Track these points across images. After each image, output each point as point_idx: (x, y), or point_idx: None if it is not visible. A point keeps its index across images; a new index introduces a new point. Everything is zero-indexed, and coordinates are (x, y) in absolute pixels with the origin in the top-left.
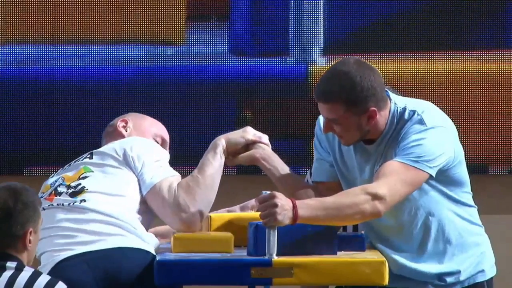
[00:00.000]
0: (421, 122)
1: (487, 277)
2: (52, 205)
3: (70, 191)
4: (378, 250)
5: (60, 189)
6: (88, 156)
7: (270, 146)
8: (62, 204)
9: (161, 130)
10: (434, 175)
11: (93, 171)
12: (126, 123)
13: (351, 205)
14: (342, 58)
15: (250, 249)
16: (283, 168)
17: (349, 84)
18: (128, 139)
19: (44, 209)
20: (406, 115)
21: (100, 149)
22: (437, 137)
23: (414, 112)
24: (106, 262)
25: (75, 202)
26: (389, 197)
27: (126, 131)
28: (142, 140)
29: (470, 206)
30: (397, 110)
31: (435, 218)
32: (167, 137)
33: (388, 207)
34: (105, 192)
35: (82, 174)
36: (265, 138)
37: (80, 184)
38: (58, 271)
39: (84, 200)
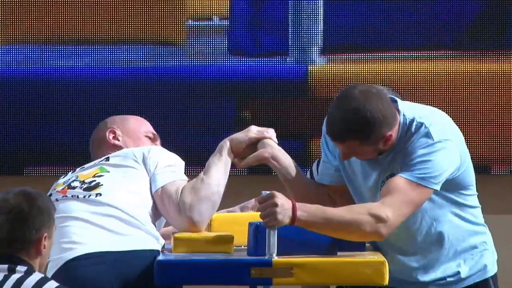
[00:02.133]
0: (428, 135)
1: (490, 273)
2: (66, 196)
3: (84, 186)
4: (381, 252)
5: (73, 184)
6: (105, 159)
7: (277, 141)
8: (77, 196)
9: (148, 125)
10: (438, 189)
11: (109, 171)
12: (115, 132)
13: (352, 222)
14: (340, 57)
15: (250, 249)
16: (293, 168)
17: (362, 122)
18: (146, 146)
19: (57, 200)
20: (414, 127)
21: (117, 153)
22: (444, 152)
23: (421, 124)
24: (123, 265)
25: (90, 195)
26: (393, 220)
27: (119, 140)
28: (159, 148)
29: (474, 207)
30: (405, 122)
31: (440, 224)
32: (153, 130)
33: (391, 230)
34: (121, 188)
35: (98, 173)
36: (271, 131)
37: (95, 180)
38: (73, 268)
39: (100, 194)
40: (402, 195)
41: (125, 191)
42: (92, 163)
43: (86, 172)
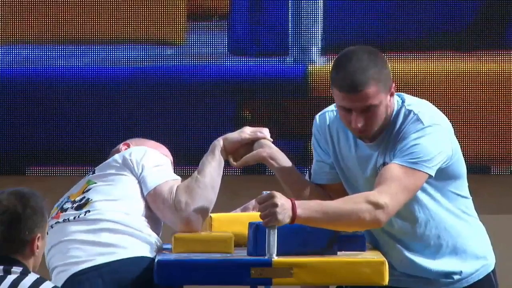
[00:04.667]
0: (417, 121)
1: (491, 268)
2: (59, 221)
3: (75, 205)
4: (383, 248)
5: (65, 206)
6: (91, 172)
7: (272, 140)
8: (68, 219)
9: (163, 150)
10: (433, 174)
11: (96, 182)
12: (129, 146)
13: (350, 212)
14: None
15: (250, 249)
16: (291, 168)
17: (376, 65)
18: (128, 149)
19: (52, 227)
20: (402, 114)
21: (102, 164)
22: (434, 136)
23: (410, 111)
24: (118, 275)
25: (80, 214)
26: (390, 206)
27: None
28: (141, 148)
29: (466, 197)
30: (397, 107)
31: (437, 215)
32: (170, 156)
33: (390, 216)
34: (109, 198)
35: (86, 188)
36: (265, 131)
37: (84, 197)
38: (71, 285)
39: (89, 211)
40: (397, 181)
41: (113, 201)
42: (82, 180)
43: (76, 191)
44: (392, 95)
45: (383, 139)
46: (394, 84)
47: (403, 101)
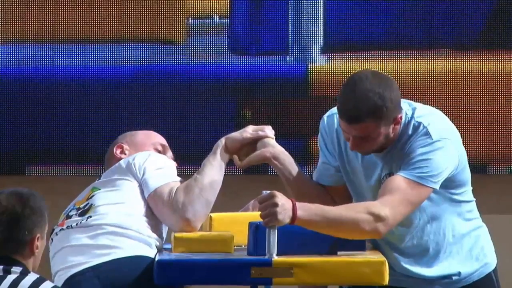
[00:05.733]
0: (427, 134)
1: (492, 267)
2: (63, 229)
3: (79, 211)
4: (381, 253)
5: (71, 213)
6: (98, 179)
7: (274, 138)
8: (71, 226)
9: (157, 137)
10: (438, 188)
11: (99, 189)
12: (122, 147)
13: (351, 221)
14: (340, 56)
15: (250, 249)
16: (295, 168)
17: (380, 101)
18: (132, 155)
19: (56, 234)
20: (412, 126)
21: (108, 170)
22: (443, 151)
23: (420, 123)
24: (115, 273)
25: (82, 220)
26: (391, 219)
27: (126, 154)
28: (145, 153)
29: (469, 201)
30: (405, 121)
31: (436, 221)
32: (165, 142)
33: (390, 228)
34: (110, 202)
35: (91, 194)
36: (267, 129)
37: (88, 203)
38: (69, 286)
39: (90, 216)
40: (401, 194)
41: (115, 204)
42: (88, 187)
43: (81, 197)
44: (397, 123)
45: (390, 149)
46: (401, 115)
47: (413, 112)
